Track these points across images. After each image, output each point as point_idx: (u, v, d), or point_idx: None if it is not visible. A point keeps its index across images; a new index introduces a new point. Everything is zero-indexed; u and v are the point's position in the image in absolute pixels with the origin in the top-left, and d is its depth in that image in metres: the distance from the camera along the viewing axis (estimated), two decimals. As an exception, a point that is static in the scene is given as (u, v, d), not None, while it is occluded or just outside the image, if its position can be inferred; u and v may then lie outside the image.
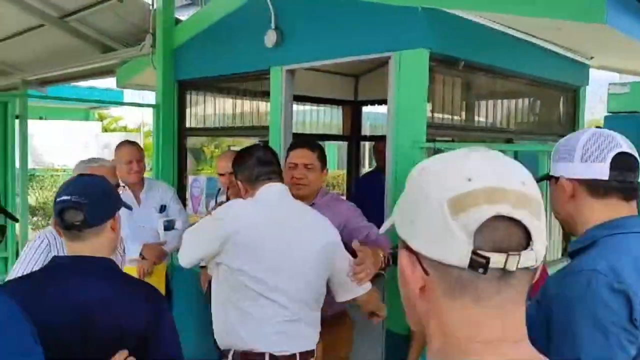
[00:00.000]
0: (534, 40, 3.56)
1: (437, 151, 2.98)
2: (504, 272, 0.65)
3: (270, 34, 3.48)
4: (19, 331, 1.15)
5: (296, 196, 2.43)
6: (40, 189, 8.24)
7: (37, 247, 2.28)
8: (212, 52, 4.12)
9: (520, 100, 4.14)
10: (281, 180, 2.37)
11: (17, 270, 2.18)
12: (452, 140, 3.69)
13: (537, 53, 3.70)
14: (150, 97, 4.75)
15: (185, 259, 2.27)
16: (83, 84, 11.34)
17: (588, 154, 1.33)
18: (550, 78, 4.03)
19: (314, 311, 2.28)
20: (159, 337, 1.51)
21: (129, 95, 13.59)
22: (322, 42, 3.30)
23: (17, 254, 2.82)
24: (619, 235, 1.30)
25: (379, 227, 3.13)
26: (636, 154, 1.35)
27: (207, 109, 4.57)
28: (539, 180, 1.89)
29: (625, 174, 1.32)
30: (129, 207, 1.88)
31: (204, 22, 4.19)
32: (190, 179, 4.49)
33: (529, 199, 0.66)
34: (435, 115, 3.24)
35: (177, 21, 4.56)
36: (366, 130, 5.99)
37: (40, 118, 14.58)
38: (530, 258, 0.65)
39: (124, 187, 2.54)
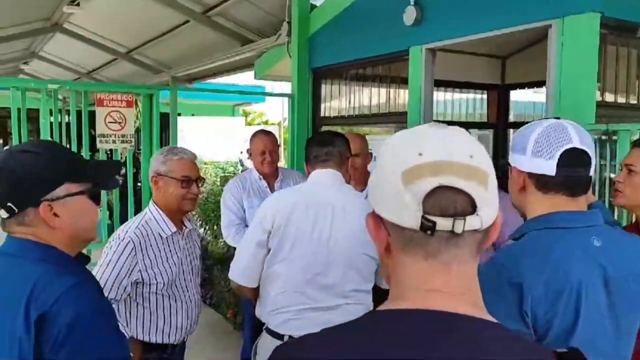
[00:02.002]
0: None
1: (608, 134, 2.51)
2: (452, 234, 0.73)
3: (410, 11, 3.20)
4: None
5: None
6: (190, 180, 8.75)
7: (121, 252, 2.09)
8: (346, 37, 3.94)
9: None
10: (336, 165, 2.24)
11: (100, 276, 2.01)
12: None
13: None
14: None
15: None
16: (227, 80, 11.89)
17: (538, 149, 1.35)
18: None
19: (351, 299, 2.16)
20: None
21: (271, 89, 14.08)
22: (468, 14, 2.95)
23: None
24: (545, 231, 1.35)
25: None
26: (588, 148, 1.34)
27: (342, 97, 4.42)
28: (503, 166, 1.68)
29: (572, 170, 1.34)
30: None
31: (339, 6, 4.02)
32: (324, 169, 4.37)
33: (474, 171, 0.74)
34: (606, 93, 2.74)
35: (313, 7, 4.45)
36: (511, 118, 5.45)
37: (192, 115, 15.67)
38: (475, 222, 0.73)
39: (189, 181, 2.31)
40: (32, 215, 1.26)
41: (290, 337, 2.11)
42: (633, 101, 2.98)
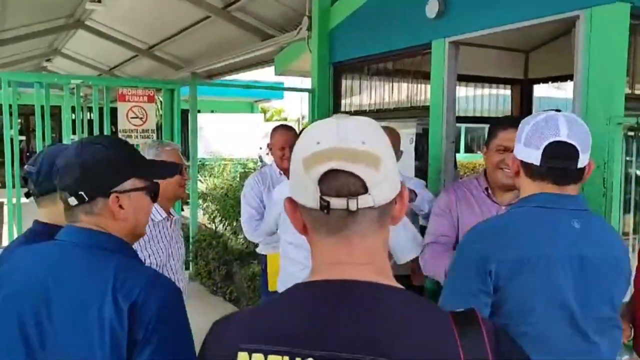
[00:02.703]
0: None
1: (635, 130, 2.45)
2: (348, 212, 0.82)
3: (433, 3, 3.15)
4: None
5: (505, 185, 2.17)
6: (210, 176, 8.79)
7: None
8: (367, 30, 3.90)
9: None
10: None
11: None
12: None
13: None
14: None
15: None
16: (245, 77, 11.92)
17: (529, 140, 1.47)
18: None
19: None
20: None
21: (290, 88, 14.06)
22: (493, 5, 2.89)
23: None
24: (527, 208, 1.50)
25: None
26: (577, 141, 1.42)
27: (363, 92, 4.38)
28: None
29: (555, 161, 1.44)
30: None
31: (360, -1, 3.98)
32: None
33: (364, 155, 0.82)
34: (636, 86, 2.67)
35: (334, 1, 4.41)
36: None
37: (212, 111, 15.76)
38: (368, 200, 0.82)
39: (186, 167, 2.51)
40: (101, 205, 1.31)
41: None
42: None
